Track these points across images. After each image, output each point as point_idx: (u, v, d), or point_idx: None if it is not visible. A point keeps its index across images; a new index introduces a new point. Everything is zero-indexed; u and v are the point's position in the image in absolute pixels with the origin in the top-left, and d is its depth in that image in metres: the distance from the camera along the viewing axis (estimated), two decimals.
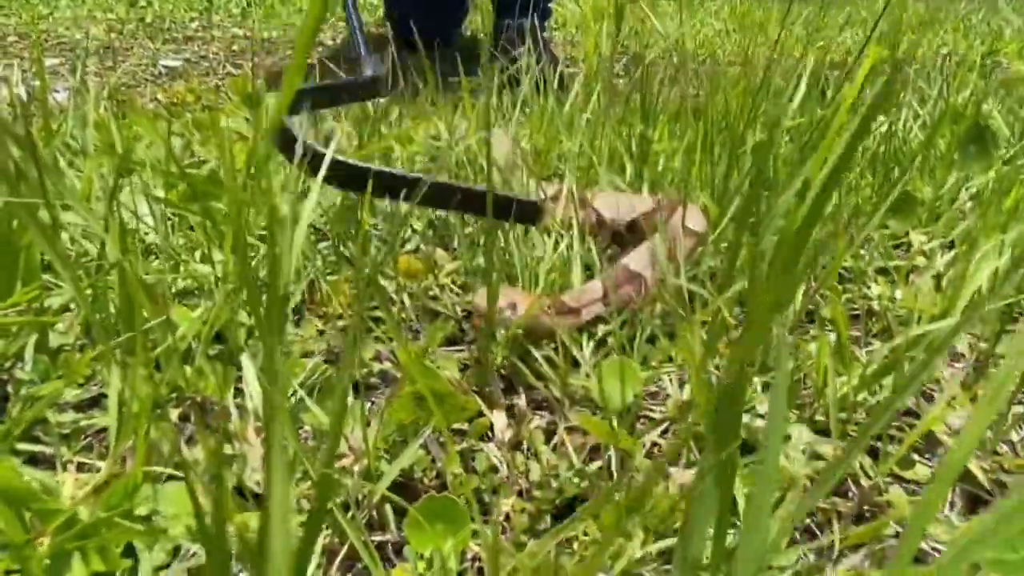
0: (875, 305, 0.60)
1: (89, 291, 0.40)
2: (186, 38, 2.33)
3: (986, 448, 0.44)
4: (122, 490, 0.31)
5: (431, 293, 0.58)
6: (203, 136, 1.02)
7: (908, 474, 0.42)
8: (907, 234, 0.72)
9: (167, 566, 0.32)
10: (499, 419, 0.44)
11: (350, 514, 0.35)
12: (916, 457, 0.43)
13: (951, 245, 0.71)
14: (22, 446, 0.38)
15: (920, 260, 0.67)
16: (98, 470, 0.38)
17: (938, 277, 0.64)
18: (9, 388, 0.42)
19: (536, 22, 1.90)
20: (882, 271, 0.66)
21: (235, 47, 2.19)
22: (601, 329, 0.53)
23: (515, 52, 1.45)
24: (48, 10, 2.71)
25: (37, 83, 1.79)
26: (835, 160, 0.26)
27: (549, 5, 1.89)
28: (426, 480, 0.39)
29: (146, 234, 0.59)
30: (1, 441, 0.35)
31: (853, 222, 0.65)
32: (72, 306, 0.48)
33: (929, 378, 0.50)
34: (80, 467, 0.39)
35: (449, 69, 1.03)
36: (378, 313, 0.55)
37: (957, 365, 0.55)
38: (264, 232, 0.61)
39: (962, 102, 1.10)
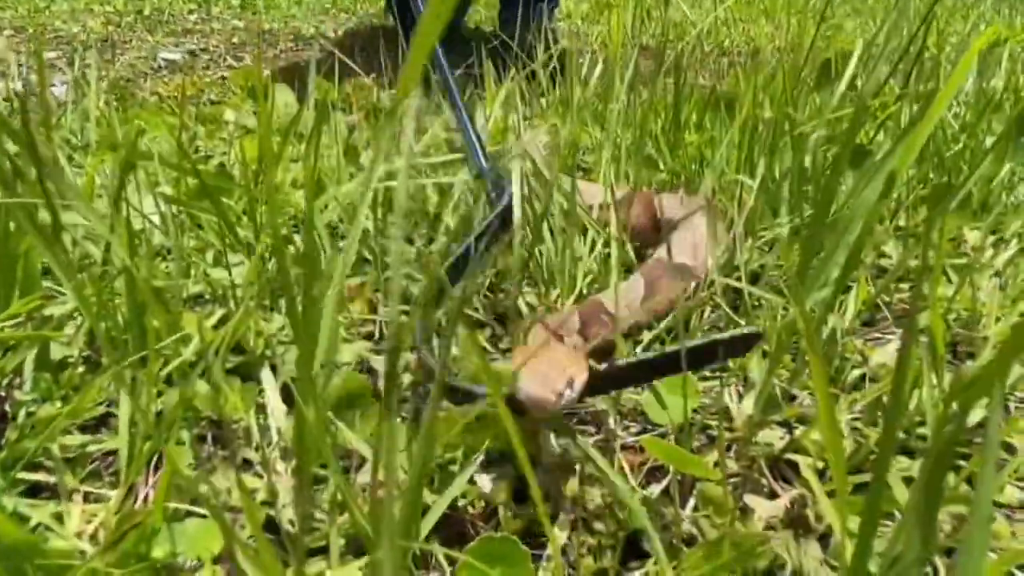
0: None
1: (94, 299, 0.36)
2: (185, 31, 2.29)
3: None
4: (137, 537, 0.27)
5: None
6: (208, 130, 0.98)
7: (1000, 499, 0.38)
8: (960, 229, 0.68)
9: None
10: (546, 439, 0.40)
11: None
12: (1007, 480, 0.39)
13: (1002, 241, 0.67)
14: (22, 475, 0.34)
15: (978, 258, 0.63)
16: (107, 499, 0.34)
17: (998, 275, 0.60)
18: (7, 407, 0.38)
19: (544, 11, 1.86)
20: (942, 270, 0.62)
21: (235, 39, 2.14)
22: (647, 335, 0.49)
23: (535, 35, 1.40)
24: (45, 3, 2.66)
25: (34, 77, 1.74)
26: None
27: None
28: (471, 510, 0.35)
29: (152, 234, 0.55)
30: (1, 475, 0.31)
31: (912, 219, 0.61)
32: (75, 315, 0.43)
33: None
34: (87, 497, 0.35)
35: (455, 60, 0.99)
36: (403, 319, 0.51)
37: None
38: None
39: (996, 90, 1.06)
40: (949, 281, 0.59)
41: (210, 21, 2.46)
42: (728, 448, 0.41)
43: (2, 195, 0.36)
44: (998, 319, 0.52)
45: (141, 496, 0.34)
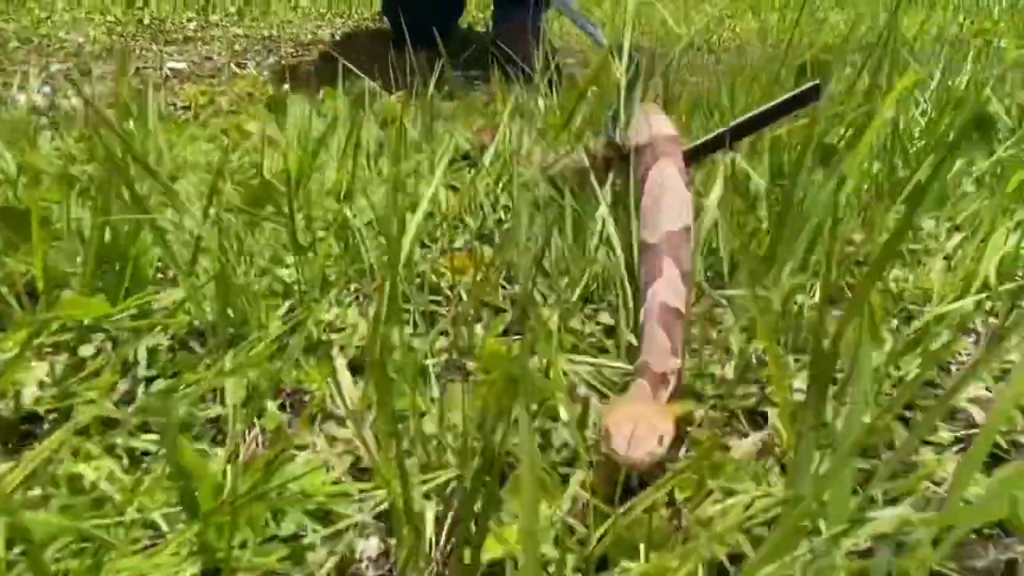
0: (893, 287, 0.65)
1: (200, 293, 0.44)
2: (186, 39, 2.35)
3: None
4: (263, 466, 0.35)
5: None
6: (233, 141, 1.06)
7: (934, 438, 0.47)
8: (917, 218, 0.77)
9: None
10: (565, 401, 0.48)
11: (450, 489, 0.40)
12: (939, 423, 0.48)
13: (957, 228, 0.76)
14: (145, 439, 0.43)
15: (931, 243, 0.72)
16: (215, 456, 0.42)
17: (948, 259, 0.69)
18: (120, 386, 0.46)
19: (535, 15, 1.93)
20: (898, 255, 0.71)
21: (236, 46, 2.21)
22: None
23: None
24: (46, 13, 2.71)
25: (48, 90, 1.81)
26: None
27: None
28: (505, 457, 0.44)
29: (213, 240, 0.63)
30: (132, 433, 0.39)
31: (869, 209, 0.70)
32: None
33: (948, 352, 0.55)
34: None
35: (453, 63, 1.06)
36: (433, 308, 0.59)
37: (970, 340, 0.60)
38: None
39: (960, 87, 1.15)
40: (905, 264, 0.68)
41: (209, 29, 2.52)
42: (713, 405, 0.49)
43: (117, 209, 0.44)
44: (943, 298, 0.61)
45: (243, 453, 0.43)
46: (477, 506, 0.32)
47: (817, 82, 0.48)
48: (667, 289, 0.48)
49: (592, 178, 0.62)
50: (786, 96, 0.54)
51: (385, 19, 2.24)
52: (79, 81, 1.67)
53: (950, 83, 1.16)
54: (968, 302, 0.54)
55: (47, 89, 1.68)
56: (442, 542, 0.35)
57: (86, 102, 0.48)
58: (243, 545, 0.33)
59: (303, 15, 2.80)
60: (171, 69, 1.98)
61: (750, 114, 0.61)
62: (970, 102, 0.91)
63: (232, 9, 2.83)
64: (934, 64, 1.28)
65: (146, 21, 2.61)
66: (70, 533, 0.30)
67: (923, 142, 0.92)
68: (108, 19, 2.62)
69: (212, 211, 0.49)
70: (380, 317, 0.34)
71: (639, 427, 0.36)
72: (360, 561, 0.36)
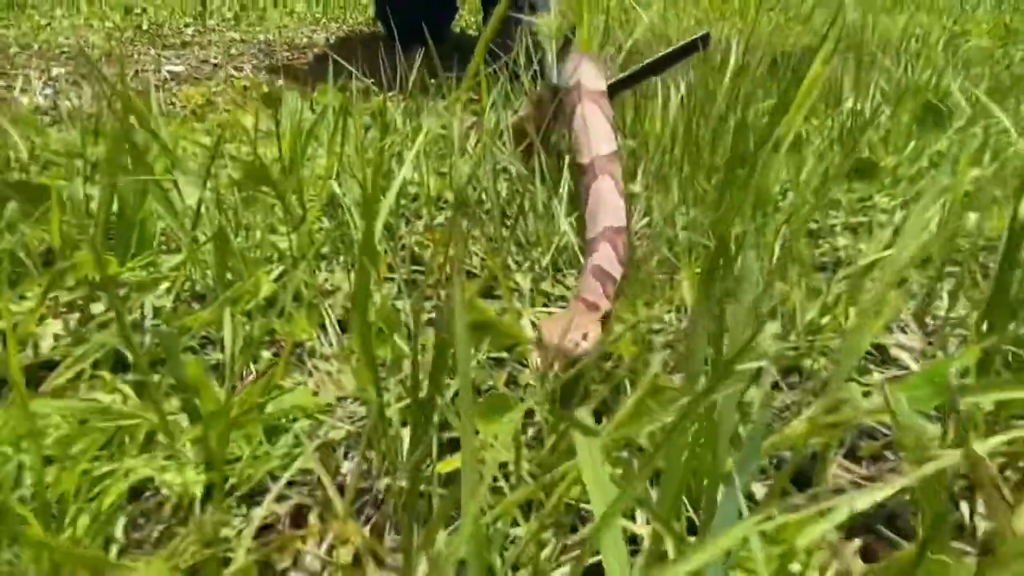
0: (842, 255, 0.70)
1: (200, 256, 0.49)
2: (183, 43, 2.40)
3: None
4: (260, 391, 0.40)
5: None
6: (231, 134, 1.11)
7: (864, 379, 0.52)
8: (871, 197, 0.82)
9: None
10: (534, 354, 0.53)
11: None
12: (872, 367, 0.53)
13: (906, 203, 0.81)
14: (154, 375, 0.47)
15: (882, 217, 0.77)
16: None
17: (896, 230, 0.74)
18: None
19: (526, 16, 1.98)
20: (851, 228, 0.76)
21: (233, 50, 2.26)
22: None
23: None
24: (45, 20, 2.76)
25: (50, 92, 1.86)
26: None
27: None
28: (482, 388, 0.49)
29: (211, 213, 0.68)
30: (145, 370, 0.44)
31: (821, 186, 0.75)
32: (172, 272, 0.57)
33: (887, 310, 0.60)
34: None
35: (444, 65, 1.13)
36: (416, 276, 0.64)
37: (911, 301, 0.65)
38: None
39: (924, 80, 1.21)
40: (855, 233, 0.73)
41: (207, 33, 2.58)
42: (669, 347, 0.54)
43: (127, 175, 0.49)
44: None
45: (239, 387, 0.47)
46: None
47: (707, 32, 0.66)
48: (608, 213, 0.54)
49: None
50: (680, 44, 0.74)
51: (379, 24, 2.30)
52: (87, 72, 1.72)
53: (915, 76, 1.22)
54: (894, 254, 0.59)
55: (48, 91, 1.73)
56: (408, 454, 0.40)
57: (102, 80, 0.53)
58: (238, 459, 0.38)
59: (298, 20, 2.86)
60: (169, 72, 2.03)
61: (652, 59, 0.79)
62: (924, 92, 0.96)
63: (228, 14, 2.88)
64: (904, 60, 1.33)
65: (144, 27, 2.67)
66: (86, 437, 0.35)
67: (884, 129, 0.97)
68: (107, 25, 2.67)
69: (211, 184, 0.54)
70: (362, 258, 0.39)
71: (569, 327, 0.43)
72: (344, 475, 0.41)
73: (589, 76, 0.73)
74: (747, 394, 0.43)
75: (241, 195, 0.63)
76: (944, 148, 0.87)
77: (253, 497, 0.39)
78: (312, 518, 0.37)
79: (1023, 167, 0.78)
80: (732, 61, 1.09)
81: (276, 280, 0.57)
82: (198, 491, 0.35)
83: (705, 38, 0.71)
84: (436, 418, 0.38)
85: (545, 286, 0.62)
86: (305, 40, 2.41)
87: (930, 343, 0.57)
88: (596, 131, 0.65)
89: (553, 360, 0.43)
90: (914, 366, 0.55)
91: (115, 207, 0.54)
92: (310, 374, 0.49)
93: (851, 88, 1.18)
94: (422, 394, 0.35)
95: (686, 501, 0.38)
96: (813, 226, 0.77)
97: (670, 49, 0.77)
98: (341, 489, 0.37)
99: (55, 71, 1.96)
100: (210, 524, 0.30)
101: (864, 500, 0.27)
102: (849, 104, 0.97)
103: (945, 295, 0.61)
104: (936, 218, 0.67)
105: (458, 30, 2.44)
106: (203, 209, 0.52)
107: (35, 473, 0.31)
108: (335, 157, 0.76)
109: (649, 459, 0.23)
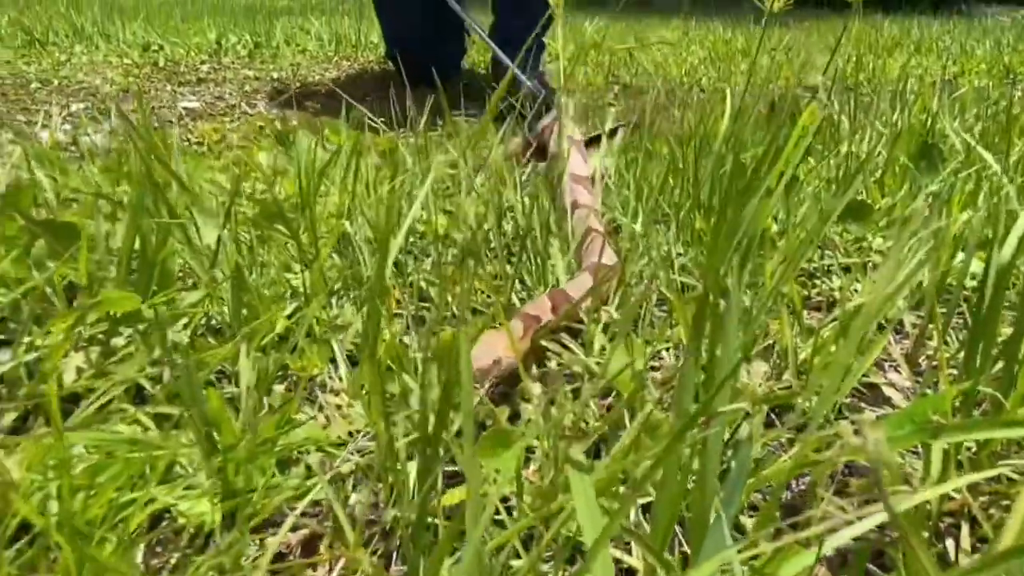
0: (837, 295, 0.72)
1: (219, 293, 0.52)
2: (199, 80, 2.46)
3: None
4: (274, 425, 0.42)
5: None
6: (244, 172, 1.15)
7: (856, 416, 0.53)
8: (866, 238, 0.84)
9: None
10: (535, 386, 0.55)
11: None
12: (864, 405, 0.55)
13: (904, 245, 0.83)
14: (165, 408, 0.49)
15: (877, 257, 0.79)
16: None
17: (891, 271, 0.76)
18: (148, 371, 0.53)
19: (532, 57, 2.03)
20: (845, 268, 0.78)
21: (247, 87, 2.31)
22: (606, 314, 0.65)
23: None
24: (65, 56, 2.83)
25: (69, 127, 1.91)
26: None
27: (544, 40, 2.03)
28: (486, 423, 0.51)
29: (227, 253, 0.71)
30: (169, 399, 0.46)
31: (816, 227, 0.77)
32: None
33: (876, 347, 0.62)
34: None
35: (453, 104, 1.18)
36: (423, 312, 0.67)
37: (904, 340, 0.67)
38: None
39: (920, 121, 1.24)
40: (849, 273, 0.75)
41: (222, 71, 2.64)
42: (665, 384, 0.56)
43: (150, 216, 0.51)
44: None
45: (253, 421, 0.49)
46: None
47: (624, 123, 0.82)
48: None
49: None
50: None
51: (390, 62, 2.36)
52: (107, 108, 1.77)
53: (911, 118, 1.25)
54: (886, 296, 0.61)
55: (67, 127, 1.78)
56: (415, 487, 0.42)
57: (124, 118, 0.56)
58: (253, 490, 0.40)
59: (310, 58, 2.93)
60: (185, 108, 2.09)
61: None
62: (919, 134, 0.99)
63: (243, 52, 2.96)
64: (899, 101, 1.37)
65: (161, 63, 2.73)
66: (112, 467, 0.37)
67: (879, 170, 1.00)
68: (125, 62, 2.74)
69: (228, 225, 0.56)
70: (374, 299, 0.41)
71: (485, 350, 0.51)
72: (352, 506, 0.42)
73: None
74: (742, 430, 0.45)
75: (256, 233, 0.66)
76: (938, 190, 0.89)
77: (267, 527, 0.41)
78: (323, 547, 0.39)
79: (1013, 210, 0.80)
80: (732, 103, 1.13)
81: (290, 317, 0.60)
82: (217, 518, 0.37)
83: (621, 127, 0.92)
84: (441, 451, 0.40)
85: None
86: (317, 78, 2.47)
87: (919, 382, 0.59)
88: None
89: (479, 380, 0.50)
90: (904, 405, 0.56)
91: (137, 244, 0.57)
92: (320, 408, 0.51)
93: (848, 129, 1.21)
94: (429, 430, 0.37)
95: (681, 535, 0.39)
96: (810, 266, 0.79)
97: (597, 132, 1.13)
98: (351, 520, 0.39)
99: (74, 107, 2.01)
100: (229, 553, 0.32)
101: (844, 534, 0.29)
102: (846, 147, 1.00)
103: (935, 335, 0.63)
104: (927, 259, 0.69)
105: (468, 65, 2.50)
106: (221, 248, 0.54)
107: (66, 501, 0.33)
108: (347, 195, 0.79)
109: (634, 491, 0.25)
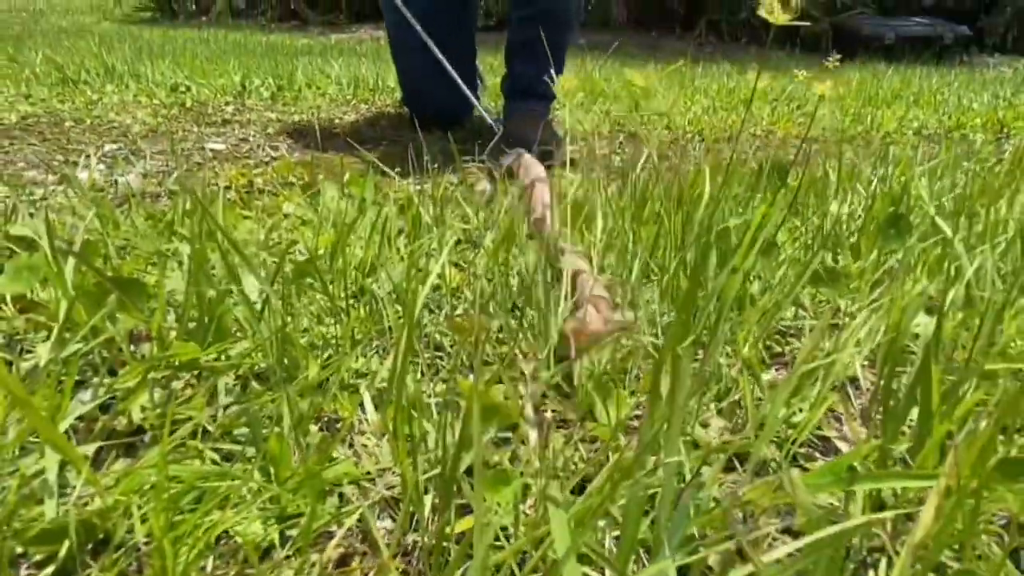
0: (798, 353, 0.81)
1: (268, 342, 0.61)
2: (224, 120, 2.59)
3: None
4: (318, 460, 0.51)
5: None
6: (273, 222, 1.25)
7: (809, 465, 0.62)
8: (834, 301, 0.93)
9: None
10: (532, 433, 0.64)
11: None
12: (818, 455, 0.64)
13: (867, 308, 0.92)
14: (224, 444, 0.59)
15: (846, 320, 0.89)
16: None
17: (854, 334, 0.85)
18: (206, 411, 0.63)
19: (542, 104, 2.14)
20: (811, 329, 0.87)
21: (270, 130, 2.44)
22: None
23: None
24: (97, 96, 2.97)
25: (102, 167, 2.02)
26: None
27: (553, 88, 2.14)
28: (489, 463, 0.60)
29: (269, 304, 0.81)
30: (222, 435, 0.56)
31: (789, 291, 0.87)
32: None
33: (823, 404, 0.70)
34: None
35: (464, 149, 1.33)
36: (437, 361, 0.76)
37: (862, 397, 0.75)
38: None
39: (899, 184, 1.34)
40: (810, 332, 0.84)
41: (245, 112, 2.77)
42: None
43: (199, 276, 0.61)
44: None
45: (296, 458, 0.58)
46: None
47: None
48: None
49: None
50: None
51: (406, 107, 2.48)
52: (139, 149, 1.88)
53: (888, 181, 1.35)
54: (843, 356, 0.70)
55: (101, 167, 1.89)
56: (429, 516, 0.50)
57: (189, 193, 0.66)
58: (300, 515, 0.49)
59: (330, 101, 3.06)
60: (211, 150, 2.20)
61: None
62: (892, 199, 1.08)
63: (266, 95, 3.10)
64: (877, 162, 1.47)
65: (188, 104, 2.87)
66: (193, 492, 0.46)
67: (851, 236, 1.10)
68: (154, 102, 2.88)
69: (276, 284, 0.66)
70: (399, 357, 0.50)
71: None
72: (379, 530, 0.51)
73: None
74: (704, 474, 0.54)
75: (293, 287, 0.76)
76: (903, 257, 0.98)
77: (308, 547, 0.49)
78: (355, 563, 0.48)
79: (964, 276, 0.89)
80: (725, 158, 1.23)
81: (323, 363, 0.69)
82: (276, 537, 0.46)
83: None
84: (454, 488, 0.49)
85: (544, 375, 0.73)
86: (337, 121, 2.59)
87: (876, 436, 0.68)
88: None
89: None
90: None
91: (194, 299, 0.67)
92: (350, 446, 0.60)
93: (835, 188, 1.31)
94: (447, 469, 0.46)
95: (646, 559, 0.48)
96: (784, 326, 0.88)
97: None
98: (384, 540, 0.48)
99: (107, 147, 2.13)
100: (287, 569, 0.41)
101: (769, 557, 0.38)
102: (831, 207, 1.09)
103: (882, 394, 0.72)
104: (883, 324, 0.78)
105: (486, 103, 2.62)
106: (267, 305, 0.64)
107: (160, 520, 0.42)
108: (371, 251, 0.89)
109: (591, 513, 0.34)
